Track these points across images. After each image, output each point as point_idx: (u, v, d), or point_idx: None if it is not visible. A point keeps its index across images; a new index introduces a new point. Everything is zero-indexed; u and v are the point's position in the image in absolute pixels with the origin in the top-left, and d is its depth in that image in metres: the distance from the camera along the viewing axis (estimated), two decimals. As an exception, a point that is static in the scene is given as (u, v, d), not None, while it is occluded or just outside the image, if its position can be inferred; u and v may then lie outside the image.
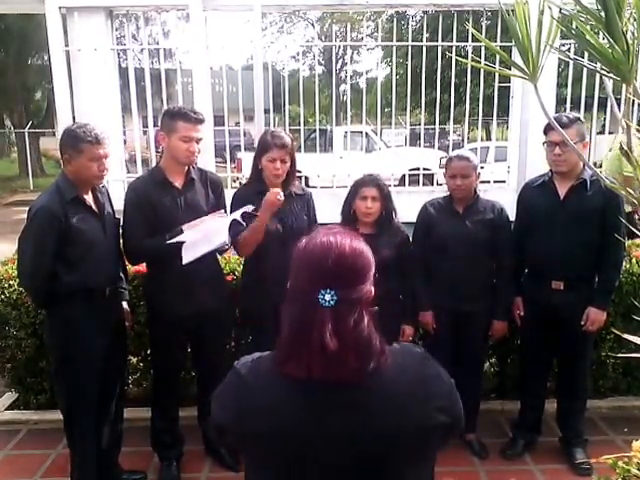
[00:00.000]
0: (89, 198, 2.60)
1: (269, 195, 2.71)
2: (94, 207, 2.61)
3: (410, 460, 1.17)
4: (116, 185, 4.75)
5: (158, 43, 5.18)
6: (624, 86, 1.27)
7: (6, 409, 3.65)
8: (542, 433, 3.23)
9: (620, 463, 1.79)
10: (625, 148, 1.35)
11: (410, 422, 1.12)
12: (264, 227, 2.75)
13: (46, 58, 16.35)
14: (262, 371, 1.18)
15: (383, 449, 1.13)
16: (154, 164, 3.86)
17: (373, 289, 1.18)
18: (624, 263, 3.15)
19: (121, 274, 2.85)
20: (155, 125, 3.71)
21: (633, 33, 1.20)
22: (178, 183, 2.77)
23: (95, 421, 2.69)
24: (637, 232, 1.68)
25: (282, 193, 2.72)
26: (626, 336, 1.58)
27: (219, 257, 3.07)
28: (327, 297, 1.10)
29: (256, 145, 2.95)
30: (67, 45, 4.63)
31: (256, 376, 1.18)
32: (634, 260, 3.38)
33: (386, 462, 1.14)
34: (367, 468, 1.13)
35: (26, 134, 13.81)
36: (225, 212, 2.86)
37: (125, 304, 2.91)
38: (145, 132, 6.15)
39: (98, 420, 2.75)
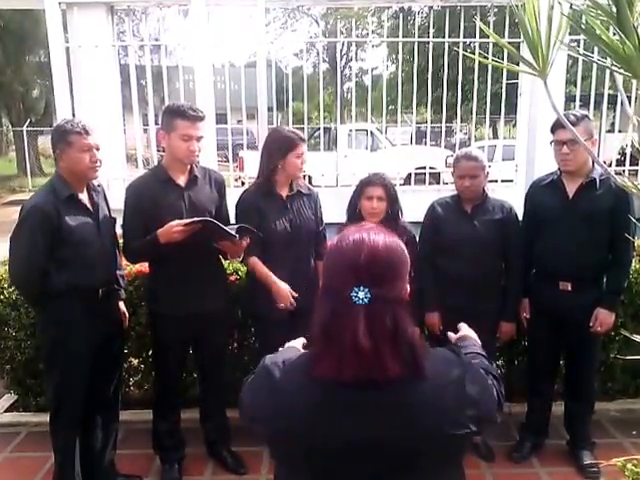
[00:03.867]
0: (84, 197, 2.57)
1: (285, 296, 2.73)
2: (89, 206, 2.57)
3: (439, 465, 1.14)
4: (116, 184, 4.73)
5: (159, 40, 5.14)
6: (634, 83, 1.22)
7: (5, 411, 3.62)
8: (549, 436, 3.19)
9: (629, 466, 1.76)
10: (637, 146, 1.31)
11: (443, 428, 1.09)
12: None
13: (44, 55, 16.23)
14: (294, 371, 1.15)
15: (413, 453, 1.10)
16: (155, 162, 3.83)
17: (408, 287, 1.14)
18: (633, 263, 3.10)
19: (119, 274, 2.80)
20: (156, 123, 3.68)
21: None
22: (181, 181, 2.73)
23: (79, 424, 2.64)
24: None
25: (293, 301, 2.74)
26: (636, 337, 1.54)
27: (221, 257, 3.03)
28: (361, 295, 1.07)
29: (261, 145, 2.92)
30: (67, 41, 4.60)
31: (288, 376, 1.15)
32: (644, 260, 3.32)
33: (414, 466, 1.11)
34: (395, 472, 1.10)
35: (24, 132, 13.70)
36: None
37: (122, 305, 2.86)
38: (146, 130, 6.11)
39: (90, 422, 2.71)
